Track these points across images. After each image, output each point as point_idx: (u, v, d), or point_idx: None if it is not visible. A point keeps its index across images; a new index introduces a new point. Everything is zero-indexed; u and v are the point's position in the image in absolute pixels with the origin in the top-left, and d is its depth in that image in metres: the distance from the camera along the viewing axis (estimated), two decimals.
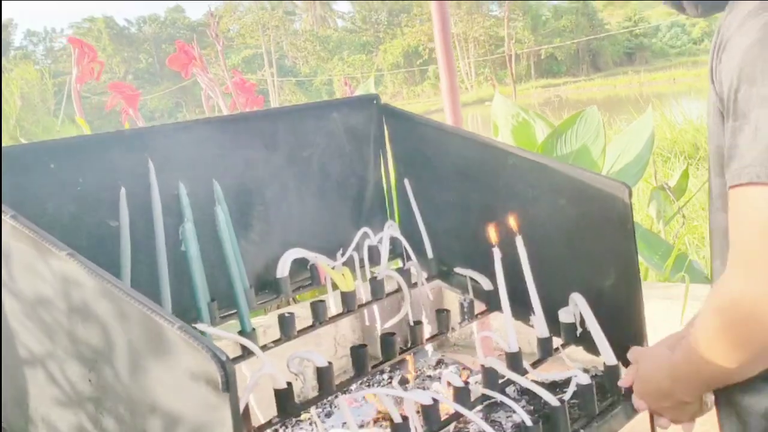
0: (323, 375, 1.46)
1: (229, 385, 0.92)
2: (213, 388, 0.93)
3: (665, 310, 2.69)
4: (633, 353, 1.46)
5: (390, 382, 1.93)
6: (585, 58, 54.18)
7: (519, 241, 1.65)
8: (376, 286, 1.82)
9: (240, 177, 1.75)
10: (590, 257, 1.71)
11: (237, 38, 61.60)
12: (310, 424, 1.75)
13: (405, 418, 1.35)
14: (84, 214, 1.48)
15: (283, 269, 1.76)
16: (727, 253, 1.10)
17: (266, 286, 1.80)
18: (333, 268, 1.79)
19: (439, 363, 2.02)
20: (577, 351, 1.77)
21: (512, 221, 1.64)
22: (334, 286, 1.79)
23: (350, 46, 64.65)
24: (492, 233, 1.66)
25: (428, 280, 1.94)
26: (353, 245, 1.89)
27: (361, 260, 1.90)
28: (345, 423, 1.74)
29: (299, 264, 1.84)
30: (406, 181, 2.00)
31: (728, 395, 1.23)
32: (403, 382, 1.91)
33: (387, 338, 1.62)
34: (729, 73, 1.06)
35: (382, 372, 1.95)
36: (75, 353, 1.11)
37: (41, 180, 1.43)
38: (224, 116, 1.92)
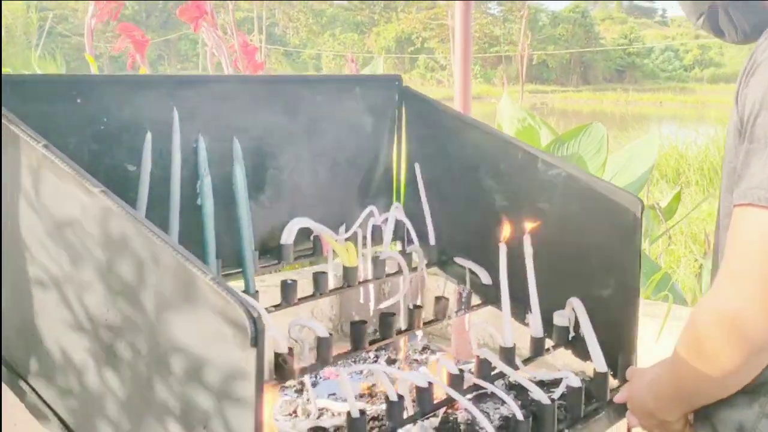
0: (322, 345, 1.46)
1: (258, 340, 0.92)
2: (241, 342, 0.93)
3: (642, 326, 2.73)
4: (629, 372, 1.49)
5: (376, 361, 1.94)
6: (576, 69, 54.39)
7: (527, 240, 1.67)
8: (378, 265, 1.82)
9: (258, 139, 1.74)
10: (593, 265, 1.73)
11: None
12: (296, 391, 1.76)
13: (401, 397, 1.37)
14: (104, 154, 1.47)
15: (288, 236, 1.77)
16: None
17: (268, 250, 1.80)
18: (337, 242, 1.79)
19: (425, 349, 2.04)
20: (565, 355, 1.80)
21: (525, 219, 1.66)
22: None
23: (343, 23, 64.23)
24: (504, 229, 1.68)
25: (427, 266, 1.95)
26: (358, 222, 1.90)
27: (364, 238, 1.90)
28: (332, 394, 1.76)
29: (302, 233, 1.84)
30: (417, 165, 2.01)
31: (704, 408, 1.26)
32: (390, 362, 1.93)
33: (387, 318, 1.63)
34: (753, 97, 1.10)
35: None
36: (98, 282, 1.11)
37: (67, 113, 1.41)
38: (251, 76, 1.92)
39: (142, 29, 3.65)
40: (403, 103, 2.03)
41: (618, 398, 1.49)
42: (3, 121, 1.19)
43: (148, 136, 1.47)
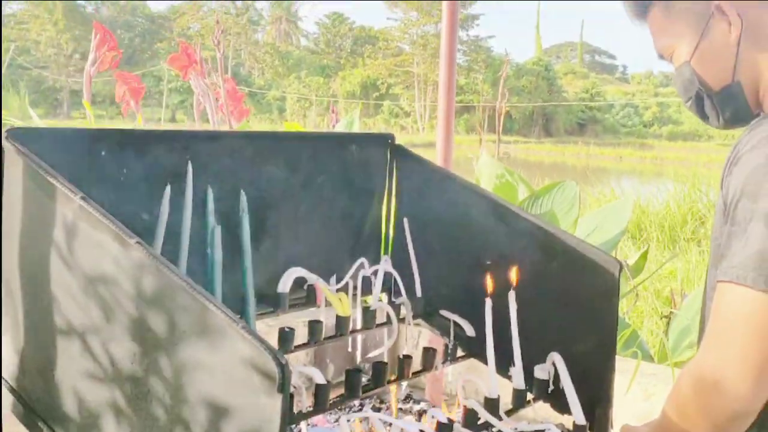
0: (320, 392, 1.54)
1: (284, 386, 1.00)
2: (268, 388, 1.01)
3: None
4: (622, 429, 1.59)
5: (362, 408, 2.02)
6: (539, 121, 55.36)
7: (512, 296, 1.77)
8: (368, 315, 1.91)
9: (260, 191, 1.84)
10: (572, 321, 1.83)
11: (196, 37, 61.08)
12: None
13: None
14: (121, 203, 1.55)
15: (285, 285, 1.85)
16: None
17: (264, 298, 1.88)
18: (331, 292, 1.88)
19: (408, 398, 2.12)
20: (543, 407, 1.90)
21: (511, 275, 1.76)
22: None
23: (309, 66, 64.57)
24: (489, 283, 1.78)
25: (413, 318, 2.04)
26: (350, 273, 1.99)
27: (354, 288, 1.99)
28: None
29: (295, 282, 1.92)
30: (405, 220, 2.11)
31: None
32: (375, 409, 2.01)
33: (379, 366, 1.71)
34: (735, 185, 1.22)
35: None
36: (125, 331, 1.18)
37: (92, 165, 1.50)
38: (256, 132, 2.00)
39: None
40: (394, 160, 2.14)
41: None
42: (40, 171, 1.27)
43: (168, 188, 1.55)
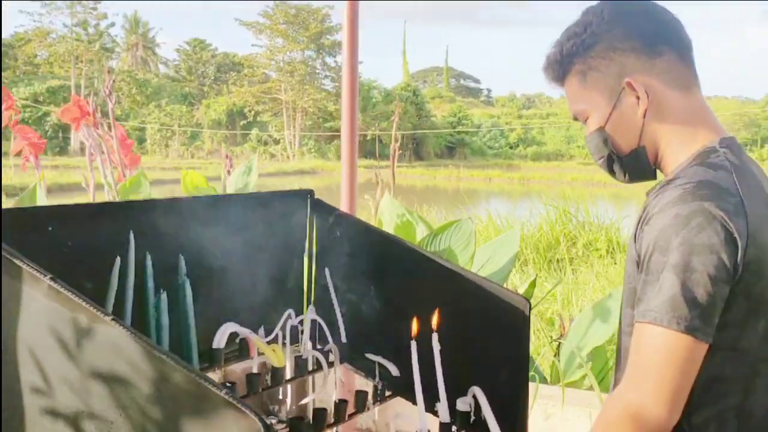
0: None
1: None
2: None
3: None
4: None
5: None
6: (409, 145, 56.36)
7: (434, 338, 1.93)
8: (301, 363, 2.03)
9: (194, 253, 1.93)
10: (489, 356, 2.01)
11: (44, 65, 58.61)
12: None
13: None
14: (67, 274, 1.61)
15: (219, 341, 1.94)
16: None
17: (200, 354, 1.97)
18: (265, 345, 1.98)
19: None
20: None
21: (433, 319, 1.92)
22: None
23: (170, 94, 63.08)
24: (412, 327, 1.94)
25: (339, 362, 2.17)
26: (280, 324, 2.10)
27: (284, 338, 2.11)
28: None
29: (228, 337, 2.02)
30: (327, 270, 2.24)
31: None
32: None
33: (320, 412, 1.84)
34: (647, 241, 1.43)
35: None
36: (103, 407, 1.26)
37: (40, 240, 1.56)
38: (188, 198, 2.10)
39: None
40: (314, 213, 2.27)
41: None
42: (5, 254, 1.34)
43: (117, 260, 1.63)
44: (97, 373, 1.27)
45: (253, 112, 60.91)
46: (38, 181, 3.41)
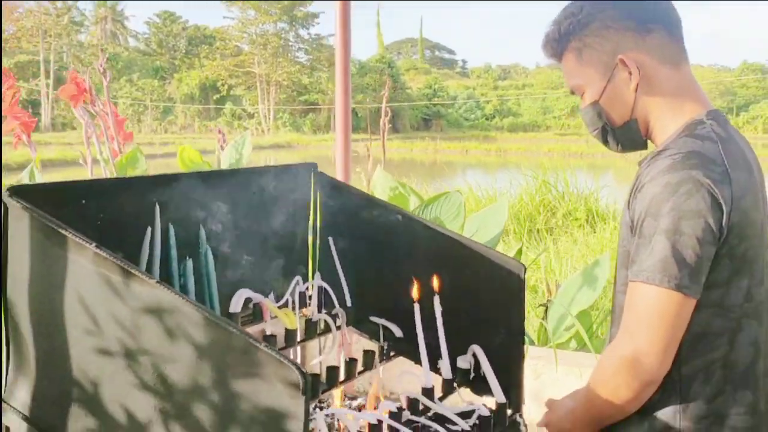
0: None
1: (306, 390, 1.25)
2: (293, 393, 1.25)
3: None
4: (547, 402, 1.90)
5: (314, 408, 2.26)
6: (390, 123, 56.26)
7: (437, 300, 2.07)
8: (311, 326, 2.16)
9: (211, 224, 2.05)
10: (487, 317, 2.15)
11: (12, 40, 57.65)
12: None
13: None
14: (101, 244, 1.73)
15: (236, 305, 2.07)
16: None
17: None
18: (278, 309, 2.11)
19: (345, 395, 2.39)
20: (464, 392, 2.21)
21: (434, 282, 2.06)
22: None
23: (142, 68, 62.33)
24: (415, 290, 2.07)
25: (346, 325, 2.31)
26: (290, 290, 2.23)
27: (293, 303, 2.24)
28: None
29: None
30: (330, 239, 2.37)
31: (607, 427, 1.71)
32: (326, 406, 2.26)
33: (331, 370, 1.97)
34: (640, 207, 1.57)
35: None
36: (145, 365, 1.39)
37: (74, 213, 1.68)
38: (204, 172, 2.21)
39: None
40: (318, 186, 2.39)
41: (539, 423, 1.89)
42: (50, 225, 1.46)
43: (149, 230, 1.75)
44: (144, 333, 1.39)
45: (226, 86, 60.46)
46: (35, 160, 3.51)
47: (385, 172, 4.35)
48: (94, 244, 1.42)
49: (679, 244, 1.51)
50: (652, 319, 1.53)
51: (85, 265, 1.44)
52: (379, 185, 4.14)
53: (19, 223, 1.52)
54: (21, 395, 1.59)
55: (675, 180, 1.53)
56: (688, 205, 1.51)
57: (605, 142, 1.80)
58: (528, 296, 5.16)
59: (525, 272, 2.11)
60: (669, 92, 1.69)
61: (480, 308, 2.16)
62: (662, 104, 1.69)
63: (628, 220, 1.65)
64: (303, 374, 1.25)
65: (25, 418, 1.59)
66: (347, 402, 2.31)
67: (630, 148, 1.78)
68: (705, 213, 1.51)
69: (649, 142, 1.77)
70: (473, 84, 69.08)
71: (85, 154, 3.92)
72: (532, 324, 4.23)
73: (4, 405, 1.61)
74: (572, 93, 1.81)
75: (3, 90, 3.14)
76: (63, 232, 1.45)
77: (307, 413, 1.26)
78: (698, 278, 1.53)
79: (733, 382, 1.62)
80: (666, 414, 1.63)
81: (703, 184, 1.51)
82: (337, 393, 2.30)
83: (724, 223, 1.53)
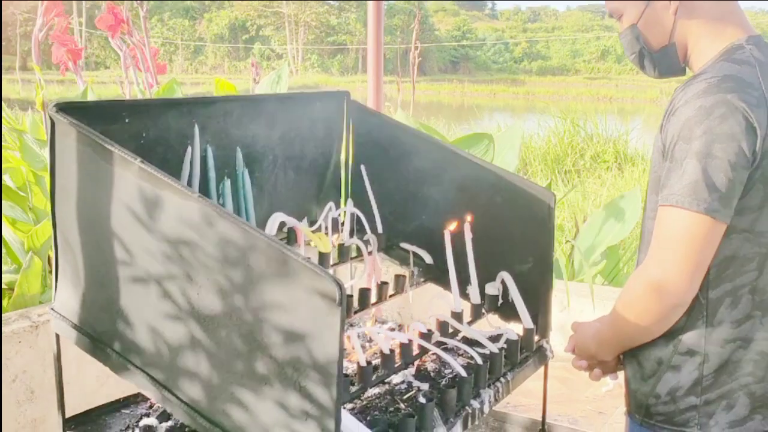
0: None
1: (342, 301, 1.30)
2: (329, 304, 1.30)
3: None
4: (573, 325, 1.94)
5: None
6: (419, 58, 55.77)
7: (467, 228, 2.11)
8: (343, 250, 2.21)
9: (248, 147, 2.09)
10: (515, 245, 2.19)
11: None
12: None
13: (392, 351, 1.78)
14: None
15: (271, 228, 2.12)
16: None
17: None
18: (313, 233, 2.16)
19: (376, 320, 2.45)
20: (492, 318, 2.26)
21: (460, 210, 2.10)
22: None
23: (172, 8, 62.19)
24: (446, 218, 2.12)
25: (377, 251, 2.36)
26: (323, 215, 2.28)
27: (326, 228, 2.29)
28: None
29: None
30: (363, 167, 2.40)
31: (632, 349, 1.75)
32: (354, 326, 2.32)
33: (364, 292, 2.03)
34: (672, 131, 1.58)
35: None
36: (190, 274, 1.44)
37: (118, 131, 1.72)
38: (243, 96, 2.25)
39: None
40: (350, 113, 2.42)
41: (567, 348, 1.93)
42: (97, 140, 1.50)
43: (189, 149, 1.80)
44: (185, 243, 1.44)
45: (255, 26, 60.09)
46: (88, 83, 3.55)
47: (406, 115, 4.33)
48: (139, 160, 1.47)
49: (710, 167, 1.51)
50: (681, 242, 1.55)
51: (130, 179, 1.48)
52: None
53: (66, 138, 1.57)
54: (70, 304, 1.66)
55: (709, 103, 1.53)
56: (722, 128, 1.51)
57: (642, 67, 1.80)
58: (556, 234, 5.18)
59: (555, 201, 2.13)
60: (709, 16, 1.67)
61: (509, 236, 2.20)
62: (702, 29, 1.68)
63: (660, 144, 1.65)
64: (339, 286, 1.29)
65: (74, 326, 1.66)
66: (378, 326, 2.37)
67: (668, 73, 1.78)
68: (739, 137, 1.51)
69: (688, 70, 1.77)
70: (502, 26, 68.15)
71: (125, 87, 3.96)
72: (559, 260, 4.26)
73: (54, 313, 1.69)
74: (610, 16, 1.81)
75: (50, 18, 3.16)
76: (109, 147, 1.49)
77: (342, 323, 1.31)
78: (729, 202, 1.53)
79: (761, 307, 1.63)
80: (691, 337, 1.65)
81: (738, 107, 1.51)
82: (369, 316, 2.36)
83: (758, 148, 1.53)
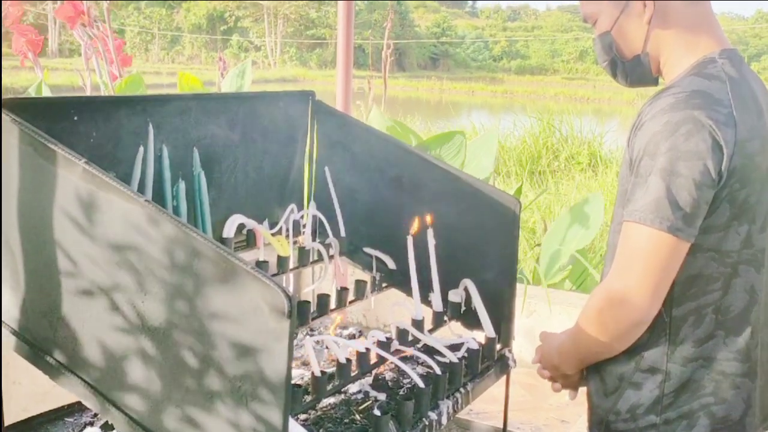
0: None
1: (291, 313, 1.24)
2: (277, 316, 1.25)
3: None
4: (541, 335, 1.90)
5: (304, 335, 2.28)
6: (391, 56, 55.73)
7: (430, 233, 2.06)
8: (304, 254, 2.16)
9: (207, 147, 2.03)
10: (480, 252, 2.14)
11: None
12: None
13: (348, 360, 1.73)
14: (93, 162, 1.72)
15: (229, 231, 2.06)
16: None
17: None
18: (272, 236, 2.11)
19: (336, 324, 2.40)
20: (455, 326, 2.21)
21: (424, 215, 2.05)
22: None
23: None
24: (410, 223, 2.06)
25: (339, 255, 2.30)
26: (284, 218, 2.22)
27: (286, 230, 2.23)
28: None
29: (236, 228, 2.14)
30: (326, 169, 2.35)
31: (595, 364, 1.71)
32: (313, 335, 2.27)
33: (322, 298, 1.98)
34: (639, 145, 1.54)
35: None
36: (129, 279, 1.38)
37: (66, 128, 1.66)
38: (202, 94, 2.18)
39: None
40: (315, 114, 2.37)
41: (534, 359, 1.89)
42: (39, 139, 1.44)
43: (141, 149, 1.73)
44: (129, 248, 1.38)
45: (233, 17, 59.69)
46: (43, 77, 3.47)
47: (380, 111, 4.29)
48: (83, 160, 1.40)
49: (674, 185, 1.48)
50: (643, 259, 1.51)
51: (74, 181, 1.42)
52: (375, 124, 4.09)
53: (10, 136, 1.50)
54: (10, 309, 1.59)
55: (675, 119, 1.49)
56: (687, 145, 1.47)
57: (614, 74, 1.76)
58: (527, 237, 5.17)
59: (520, 208, 2.09)
60: (684, 27, 1.63)
61: (473, 242, 2.16)
62: (676, 39, 1.64)
63: (627, 158, 1.62)
64: (288, 297, 1.24)
65: (14, 332, 1.59)
66: (339, 331, 2.33)
67: (639, 83, 1.74)
68: (704, 155, 1.47)
69: (660, 80, 1.73)
70: (482, 24, 68.23)
71: (84, 78, 3.87)
72: (528, 264, 4.24)
73: None
74: (584, 21, 1.77)
75: (6, 6, 3.08)
76: (52, 147, 1.43)
77: (291, 336, 1.26)
78: (693, 222, 1.50)
79: (725, 327, 1.60)
80: (653, 354, 1.62)
81: (704, 125, 1.47)
82: (332, 322, 2.31)
83: (724, 167, 1.49)
